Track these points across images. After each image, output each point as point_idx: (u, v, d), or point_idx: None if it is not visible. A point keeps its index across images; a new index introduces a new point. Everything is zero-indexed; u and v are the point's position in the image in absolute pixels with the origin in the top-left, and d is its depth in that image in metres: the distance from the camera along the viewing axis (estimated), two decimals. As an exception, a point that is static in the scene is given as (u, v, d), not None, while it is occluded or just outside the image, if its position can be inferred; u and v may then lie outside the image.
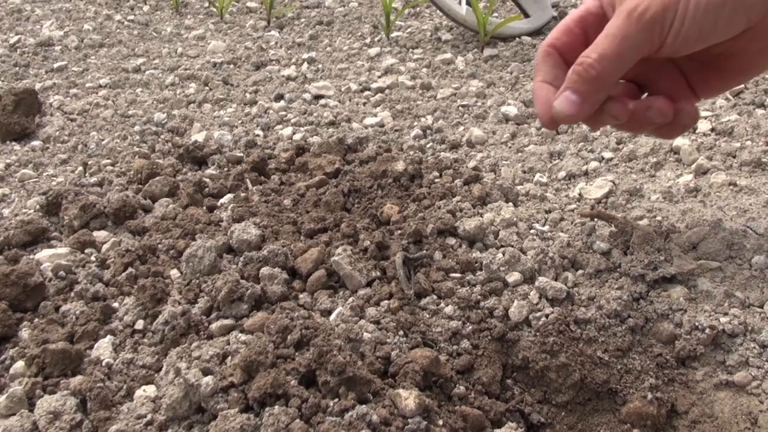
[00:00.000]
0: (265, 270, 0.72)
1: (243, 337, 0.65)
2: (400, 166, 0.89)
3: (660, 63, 0.64)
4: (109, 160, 1.09)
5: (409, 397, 0.57)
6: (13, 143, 1.20)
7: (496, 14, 1.75)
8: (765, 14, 0.55)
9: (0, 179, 1.06)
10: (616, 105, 0.62)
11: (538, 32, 1.57)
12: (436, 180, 0.90)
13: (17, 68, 1.58)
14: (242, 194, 0.92)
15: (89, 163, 1.08)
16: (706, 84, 0.65)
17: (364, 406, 0.56)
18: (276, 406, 0.56)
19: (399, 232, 0.78)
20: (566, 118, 0.62)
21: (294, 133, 1.13)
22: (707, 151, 0.96)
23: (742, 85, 1.16)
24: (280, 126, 1.18)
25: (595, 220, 0.81)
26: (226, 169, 1.02)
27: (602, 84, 0.60)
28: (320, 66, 1.45)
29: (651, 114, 0.62)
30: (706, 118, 1.06)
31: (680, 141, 0.97)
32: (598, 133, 1.07)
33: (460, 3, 1.52)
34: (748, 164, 0.91)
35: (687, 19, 0.56)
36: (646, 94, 0.68)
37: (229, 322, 0.68)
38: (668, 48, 0.59)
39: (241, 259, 0.75)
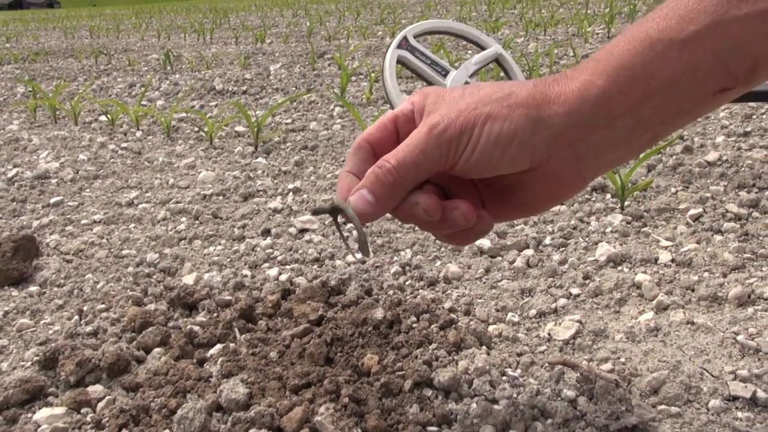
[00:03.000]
0: (252, 432, 0.76)
1: (232, 507, 0.68)
2: (379, 314, 0.95)
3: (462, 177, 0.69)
4: (103, 305, 1.14)
5: None
6: (11, 288, 1.25)
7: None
8: (547, 158, 0.62)
9: (-1, 329, 1.11)
10: (429, 201, 0.65)
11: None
12: (414, 325, 0.96)
13: (15, 203, 1.65)
14: (231, 345, 0.97)
15: (84, 309, 1.13)
16: (494, 208, 0.70)
17: None
18: None
19: (378, 384, 0.83)
20: (361, 216, 0.65)
21: (280, 273, 1.19)
22: (667, 285, 1.02)
23: (701, 209, 1.24)
24: (267, 264, 1.24)
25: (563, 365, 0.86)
26: (215, 314, 1.07)
27: (398, 189, 0.65)
28: (305, 197, 1.53)
29: (456, 215, 0.66)
30: (666, 248, 1.13)
31: (642, 276, 1.04)
32: (566, 266, 1.13)
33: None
34: (706, 299, 0.97)
35: (478, 147, 0.61)
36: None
37: (218, 487, 0.72)
38: (459, 169, 0.64)
39: (230, 419, 0.79)
